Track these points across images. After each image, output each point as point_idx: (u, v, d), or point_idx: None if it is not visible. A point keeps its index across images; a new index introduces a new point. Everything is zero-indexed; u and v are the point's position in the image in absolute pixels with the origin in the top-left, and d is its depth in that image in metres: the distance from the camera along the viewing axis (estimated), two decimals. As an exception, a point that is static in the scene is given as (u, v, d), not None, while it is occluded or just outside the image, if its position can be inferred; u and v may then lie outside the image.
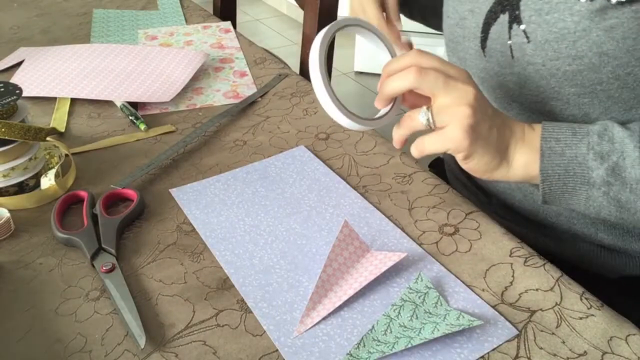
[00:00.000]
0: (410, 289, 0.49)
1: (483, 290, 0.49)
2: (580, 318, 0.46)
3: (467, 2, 0.61)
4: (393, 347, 0.44)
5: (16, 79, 0.84)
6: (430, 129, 0.49)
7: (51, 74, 0.85)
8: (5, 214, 0.56)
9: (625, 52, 0.49)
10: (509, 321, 0.46)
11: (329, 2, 1.05)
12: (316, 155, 0.68)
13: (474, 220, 0.57)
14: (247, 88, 0.84)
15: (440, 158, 0.89)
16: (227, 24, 1.07)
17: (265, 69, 0.90)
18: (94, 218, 0.57)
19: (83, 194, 0.60)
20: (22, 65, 0.88)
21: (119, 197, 0.61)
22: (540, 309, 0.47)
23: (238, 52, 0.96)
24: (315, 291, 0.48)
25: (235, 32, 1.04)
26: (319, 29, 1.06)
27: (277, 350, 0.44)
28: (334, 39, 0.56)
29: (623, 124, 0.51)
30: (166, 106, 0.79)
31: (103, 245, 0.53)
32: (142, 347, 0.44)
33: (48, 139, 0.61)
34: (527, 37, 0.54)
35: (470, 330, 0.45)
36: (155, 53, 0.91)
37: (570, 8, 0.50)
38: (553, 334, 0.45)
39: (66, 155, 0.65)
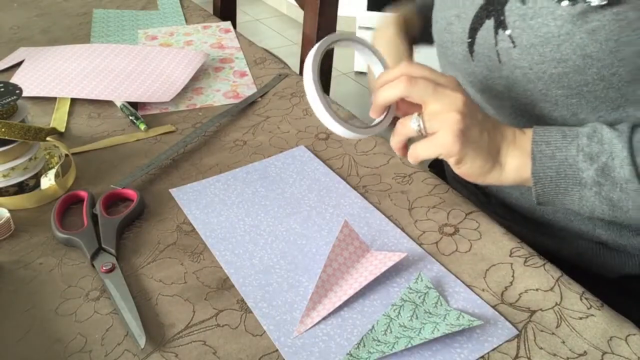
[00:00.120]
0: (410, 289, 0.49)
1: (483, 290, 0.49)
2: (580, 318, 0.46)
3: (454, 7, 0.62)
4: (393, 347, 0.44)
5: (16, 79, 0.84)
6: (422, 135, 0.51)
7: (51, 74, 0.85)
8: (5, 214, 0.56)
9: (609, 53, 0.50)
10: (509, 321, 0.46)
11: (329, 2, 1.05)
12: (316, 155, 0.68)
13: (474, 221, 0.57)
14: (247, 88, 0.84)
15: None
16: (227, 24, 1.07)
17: (265, 69, 0.90)
18: (94, 218, 0.57)
19: (83, 194, 0.60)
20: (22, 65, 0.88)
21: (119, 197, 0.61)
22: (540, 309, 0.47)
23: (238, 52, 0.96)
24: (315, 291, 0.48)
25: (235, 32, 1.04)
26: (319, 29, 1.06)
27: (277, 350, 0.44)
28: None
29: (612, 123, 0.52)
30: (166, 106, 0.79)
31: (103, 245, 0.53)
32: (142, 347, 0.44)
33: (48, 139, 0.61)
34: (513, 42, 0.55)
35: (470, 330, 0.45)
36: (155, 53, 0.91)
37: (552, 13, 0.51)
38: (553, 334, 0.45)
39: (66, 155, 0.65)
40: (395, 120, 0.55)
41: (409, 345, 0.43)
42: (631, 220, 0.51)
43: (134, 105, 0.79)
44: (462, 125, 0.49)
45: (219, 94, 0.83)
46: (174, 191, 0.62)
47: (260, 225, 0.57)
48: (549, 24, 0.52)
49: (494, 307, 0.48)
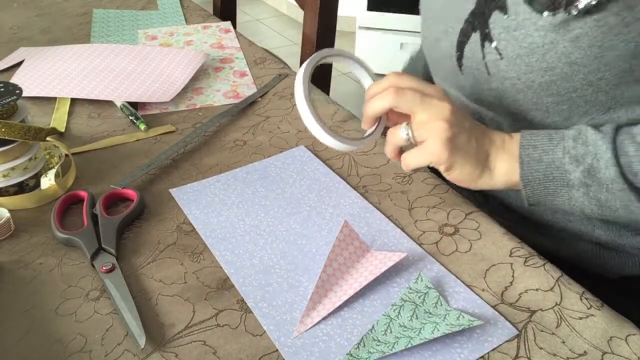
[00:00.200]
0: (410, 289, 0.49)
1: (483, 290, 0.49)
2: (580, 318, 0.46)
3: (441, 23, 0.63)
4: (393, 347, 0.44)
5: (16, 79, 0.84)
6: (411, 143, 0.53)
7: (51, 74, 0.85)
8: (5, 214, 0.56)
9: (593, 59, 0.51)
10: (509, 321, 0.46)
11: (329, 2, 1.05)
12: (316, 155, 0.68)
13: (474, 221, 0.57)
14: (247, 88, 0.84)
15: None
16: (227, 24, 1.07)
17: (265, 69, 0.90)
18: (94, 218, 0.57)
19: (83, 194, 0.60)
20: (22, 65, 0.88)
21: (119, 197, 0.61)
22: (540, 309, 0.47)
23: (238, 52, 0.96)
24: (315, 291, 0.48)
25: (235, 32, 1.04)
26: (319, 29, 1.06)
27: (277, 350, 0.44)
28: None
29: (601, 125, 0.53)
30: (166, 106, 0.79)
31: (103, 245, 0.53)
32: (142, 347, 0.44)
33: (48, 139, 0.61)
34: (500, 54, 0.56)
35: (470, 330, 0.45)
36: (155, 53, 0.91)
37: (534, 23, 0.52)
38: (553, 334, 0.45)
39: (66, 155, 0.65)
40: (386, 130, 0.56)
41: (409, 345, 0.43)
42: (621, 218, 0.52)
43: (134, 105, 0.79)
44: (450, 133, 0.50)
45: (219, 94, 0.83)
46: (174, 191, 0.62)
47: (260, 225, 0.57)
48: (532, 35, 0.53)
49: (494, 307, 0.48)
